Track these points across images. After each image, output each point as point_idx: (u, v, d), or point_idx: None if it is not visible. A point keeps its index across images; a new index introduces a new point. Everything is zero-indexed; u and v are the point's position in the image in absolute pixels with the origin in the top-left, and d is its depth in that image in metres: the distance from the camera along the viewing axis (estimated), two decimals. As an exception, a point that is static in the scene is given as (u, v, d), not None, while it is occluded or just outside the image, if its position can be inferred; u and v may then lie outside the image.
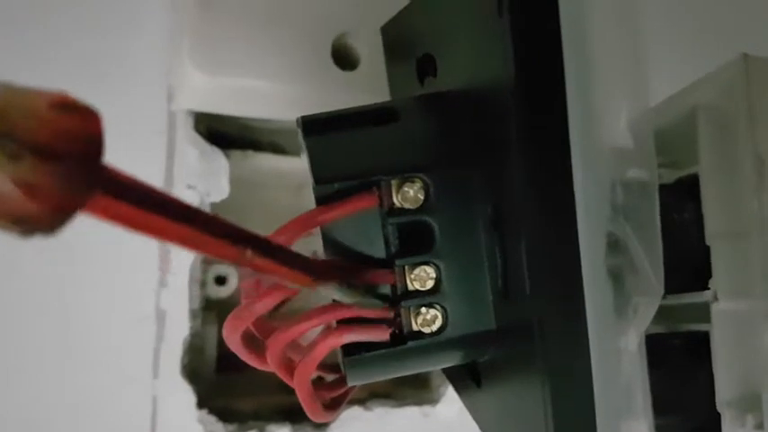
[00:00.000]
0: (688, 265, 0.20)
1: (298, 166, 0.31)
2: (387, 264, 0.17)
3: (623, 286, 0.14)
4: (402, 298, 0.17)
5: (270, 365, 0.18)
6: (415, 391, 0.30)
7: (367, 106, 0.17)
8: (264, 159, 0.30)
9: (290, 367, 0.18)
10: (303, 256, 0.14)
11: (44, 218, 0.07)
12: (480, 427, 0.21)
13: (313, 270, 0.14)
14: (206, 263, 0.28)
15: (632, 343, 0.14)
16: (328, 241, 0.17)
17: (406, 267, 0.17)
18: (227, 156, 0.27)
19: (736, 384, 0.19)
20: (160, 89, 0.26)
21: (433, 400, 0.29)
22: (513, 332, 0.16)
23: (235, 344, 0.17)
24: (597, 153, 0.14)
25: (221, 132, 0.29)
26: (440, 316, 0.17)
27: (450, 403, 0.28)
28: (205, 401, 0.27)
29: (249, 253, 0.11)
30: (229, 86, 0.25)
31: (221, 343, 0.29)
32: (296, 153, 0.31)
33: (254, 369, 0.30)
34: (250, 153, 0.29)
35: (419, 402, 0.28)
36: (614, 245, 0.14)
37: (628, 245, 0.14)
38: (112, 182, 0.08)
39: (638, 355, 0.14)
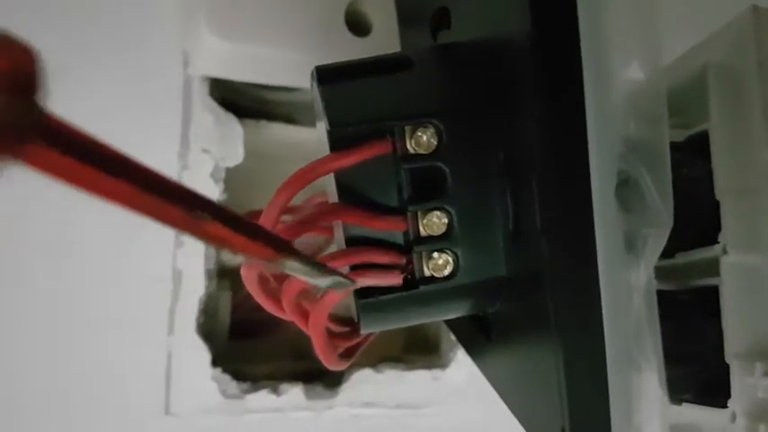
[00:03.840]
0: (698, 223, 0.20)
1: (309, 137, 0.31)
2: (399, 211, 0.17)
3: (633, 220, 0.14)
4: (414, 244, 0.17)
5: (286, 312, 0.18)
6: (424, 355, 0.31)
7: (381, 56, 0.18)
8: (277, 129, 0.30)
9: (305, 315, 0.18)
10: (264, 229, 0.13)
11: None
12: (490, 382, 0.22)
13: (276, 244, 0.13)
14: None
15: (642, 277, 0.14)
16: (342, 189, 0.17)
17: (419, 213, 0.17)
18: (242, 124, 0.28)
19: (745, 336, 0.19)
20: (176, 55, 0.26)
21: (442, 365, 0.29)
22: (524, 277, 0.16)
23: (253, 285, 0.17)
24: (610, 95, 0.14)
25: (235, 102, 0.30)
26: (451, 261, 0.17)
27: (459, 368, 0.29)
28: (218, 365, 0.27)
29: (205, 219, 0.10)
30: (245, 52, 0.25)
31: (235, 310, 0.30)
32: (307, 124, 0.31)
33: (267, 336, 0.31)
34: (263, 123, 0.30)
35: (429, 366, 0.29)
36: (625, 182, 0.14)
37: (638, 180, 0.14)
38: (49, 128, 0.07)
39: (647, 292, 0.15)
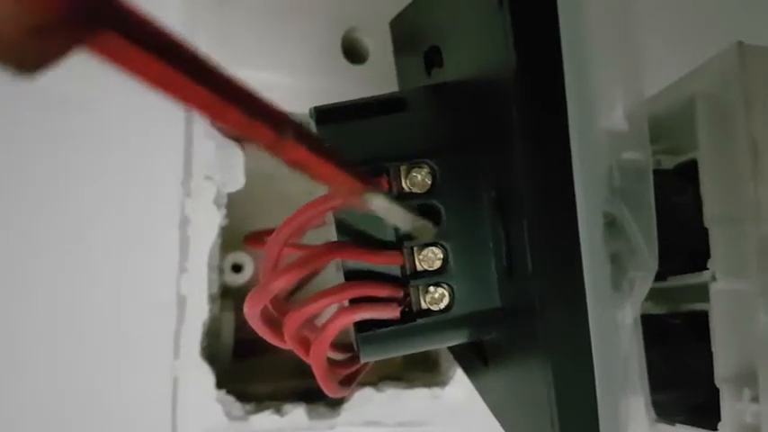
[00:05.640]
0: (688, 247, 0.21)
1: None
2: (396, 246, 0.17)
3: (620, 263, 0.15)
4: (411, 278, 0.18)
5: (287, 343, 0.19)
6: (425, 373, 0.31)
7: (376, 97, 0.18)
8: (278, 151, 0.31)
9: (306, 345, 0.19)
10: (355, 164, 0.12)
11: (25, 47, 0.06)
12: (488, 405, 0.22)
13: (362, 176, 0.12)
14: (223, 250, 0.29)
15: (629, 317, 0.15)
16: (341, 225, 0.17)
17: (415, 249, 0.17)
18: (242, 147, 0.28)
19: (734, 361, 0.19)
20: (177, 84, 0.26)
21: (442, 383, 0.30)
22: (517, 310, 0.17)
23: (255, 320, 0.18)
24: (594, 138, 0.15)
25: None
26: (447, 294, 0.18)
27: (459, 386, 0.29)
28: (222, 385, 0.28)
29: (290, 137, 0.09)
30: (244, 80, 0.26)
31: (238, 329, 0.30)
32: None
33: (270, 355, 0.32)
34: (263, 146, 0.30)
35: (429, 384, 0.29)
36: (611, 224, 0.15)
37: (624, 224, 0.14)
38: (124, 17, 0.07)
39: (634, 330, 0.15)
